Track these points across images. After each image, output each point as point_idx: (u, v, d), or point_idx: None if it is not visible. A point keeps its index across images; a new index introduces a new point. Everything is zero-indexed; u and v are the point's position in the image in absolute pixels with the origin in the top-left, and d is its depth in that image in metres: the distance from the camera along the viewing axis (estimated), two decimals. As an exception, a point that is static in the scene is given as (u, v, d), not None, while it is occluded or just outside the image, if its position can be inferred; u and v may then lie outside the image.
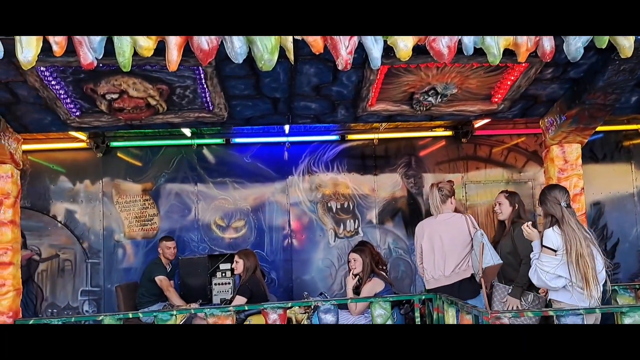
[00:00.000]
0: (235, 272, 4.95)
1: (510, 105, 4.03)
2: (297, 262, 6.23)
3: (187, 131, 5.79)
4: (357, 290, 4.69)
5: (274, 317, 3.83)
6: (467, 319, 3.34)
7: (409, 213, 6.37)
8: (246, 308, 4.03)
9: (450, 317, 3.70)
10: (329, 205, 6.34)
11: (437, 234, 4.07)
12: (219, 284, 6.05)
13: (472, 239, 3.93)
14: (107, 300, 5.83)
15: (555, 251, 3.20)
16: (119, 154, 6.17)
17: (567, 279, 3.16)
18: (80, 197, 6.08)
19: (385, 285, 4.50)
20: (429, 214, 6.20)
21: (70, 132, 5.44)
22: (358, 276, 4.53)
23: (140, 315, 3.65)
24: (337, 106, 3.96)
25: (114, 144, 6.08)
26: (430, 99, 3.83)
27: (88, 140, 5.91)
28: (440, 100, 3.86)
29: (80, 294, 5.95)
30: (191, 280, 6.00)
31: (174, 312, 3.70)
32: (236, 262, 4.84)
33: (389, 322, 3.89)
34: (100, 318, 3.54)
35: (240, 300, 4.54)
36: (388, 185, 6.39)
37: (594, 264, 3.13)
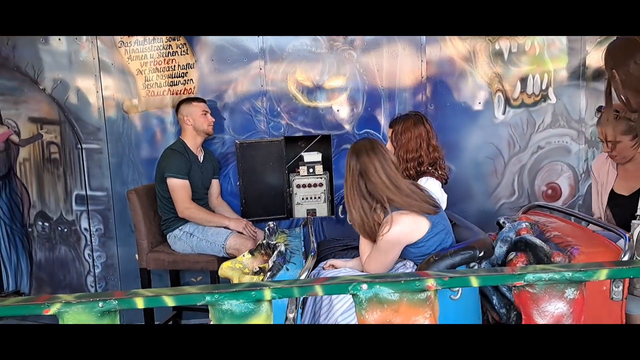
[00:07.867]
0: None
1: None
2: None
3: None
4: None
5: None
6: None
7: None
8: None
9: None
10: (497, 47, 3.49)
11: None
12: (302, 186, 3.57)
13: None
14: (119, 213, 3.49)
15: None
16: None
17: None
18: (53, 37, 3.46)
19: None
20: None
21: None
22: None
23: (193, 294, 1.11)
24: None
25: None
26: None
27: None
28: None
29: (75, 201, 3.61)
30: (256, 181, 3.55)
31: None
32: None
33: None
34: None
35: None
36: None
37: None
